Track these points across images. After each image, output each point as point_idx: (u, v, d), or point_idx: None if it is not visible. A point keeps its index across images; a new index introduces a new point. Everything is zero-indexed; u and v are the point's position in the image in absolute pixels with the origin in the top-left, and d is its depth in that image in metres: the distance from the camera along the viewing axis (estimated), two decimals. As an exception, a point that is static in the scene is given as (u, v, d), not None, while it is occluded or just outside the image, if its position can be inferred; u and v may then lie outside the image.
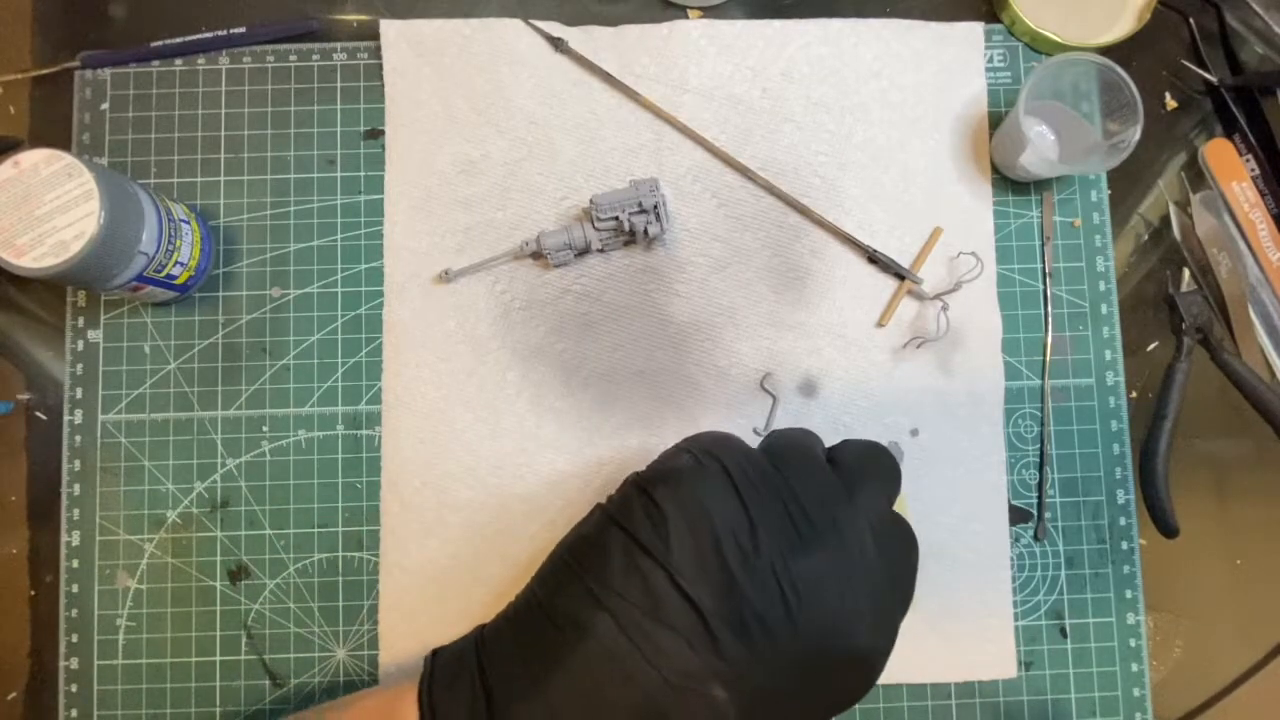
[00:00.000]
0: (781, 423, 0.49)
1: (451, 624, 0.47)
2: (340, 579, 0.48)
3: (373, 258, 0.50)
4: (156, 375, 0.49)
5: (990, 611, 0.49)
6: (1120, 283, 0.52)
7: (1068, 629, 0.49)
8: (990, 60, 0.53)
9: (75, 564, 0.48)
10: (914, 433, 0.49)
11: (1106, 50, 0.50)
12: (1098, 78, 0.47)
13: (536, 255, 0.49)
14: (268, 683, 0.47)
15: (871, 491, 0.36)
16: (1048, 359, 0.51)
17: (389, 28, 0.51)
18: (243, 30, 0.51)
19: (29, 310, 0.50)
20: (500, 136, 0.50)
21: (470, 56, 0.51)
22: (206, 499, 0.48)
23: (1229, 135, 0.53)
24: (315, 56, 0.52)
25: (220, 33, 0.51)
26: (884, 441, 0.43)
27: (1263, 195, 0.52)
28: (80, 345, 0.49)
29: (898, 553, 0.36)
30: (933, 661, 0.48)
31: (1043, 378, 0.51)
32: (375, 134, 0.51)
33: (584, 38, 0.51)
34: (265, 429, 0.49)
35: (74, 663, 0.47)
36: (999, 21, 0.53)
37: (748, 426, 0.49)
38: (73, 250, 0.40)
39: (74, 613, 0.47)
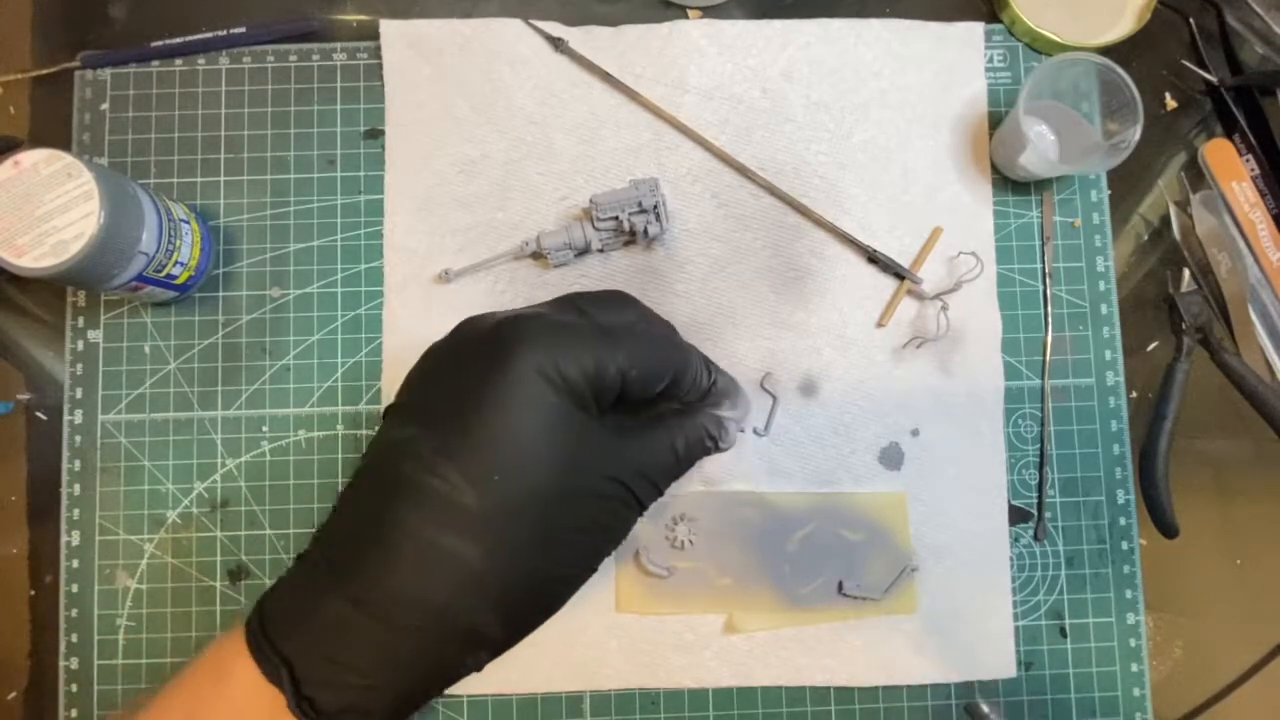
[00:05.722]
0: (782, 423, 0.49)
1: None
2: (340, 579, 0.48)
3: (373, 258, 0.50)
4: (156, 375, 0.49)
5: (990, 611, 0.49)
6: (1120, 283, 0.52)
7: (1068, 629, 0.49)
8: (990, 60, 0.53)
9: (75, 564, 0.48)
10: (914, 432, 0.49)
11: (1106, 50, 0.50)
12: (1098, 78, 0.47)
13: (536, 255, 0.49)
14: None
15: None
16: (1048, 359, 0.51)
17: (389, 27, 0.51)
18: (243, 30, 0.51)
19: (29, 310, 0.50)
20: (500, 136, 0.50)
21: (470, 56, 0.51)
22: (206, 499, 0.48)
23: (1229, 135, 0.53)
24: (315, 56, 0.52)
25: (220, 33, 0.51)
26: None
27: (1263, 195, 0.52)
28: (80, 345, 0.49)
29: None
30: (932, 662, 0.48)
31: (1043, 378, 0.51)
32: (375, 134, 0.51)
33: (584, 38, 0.51)
34: (265, 429, 0.49)
35: (74, 663, 0.47)
36: (999, 21, 0.53)
37: (748, 427, 0.49)
38: (73, 250, 0.40)
39: (74, 613, 0.47)
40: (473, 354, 0.35)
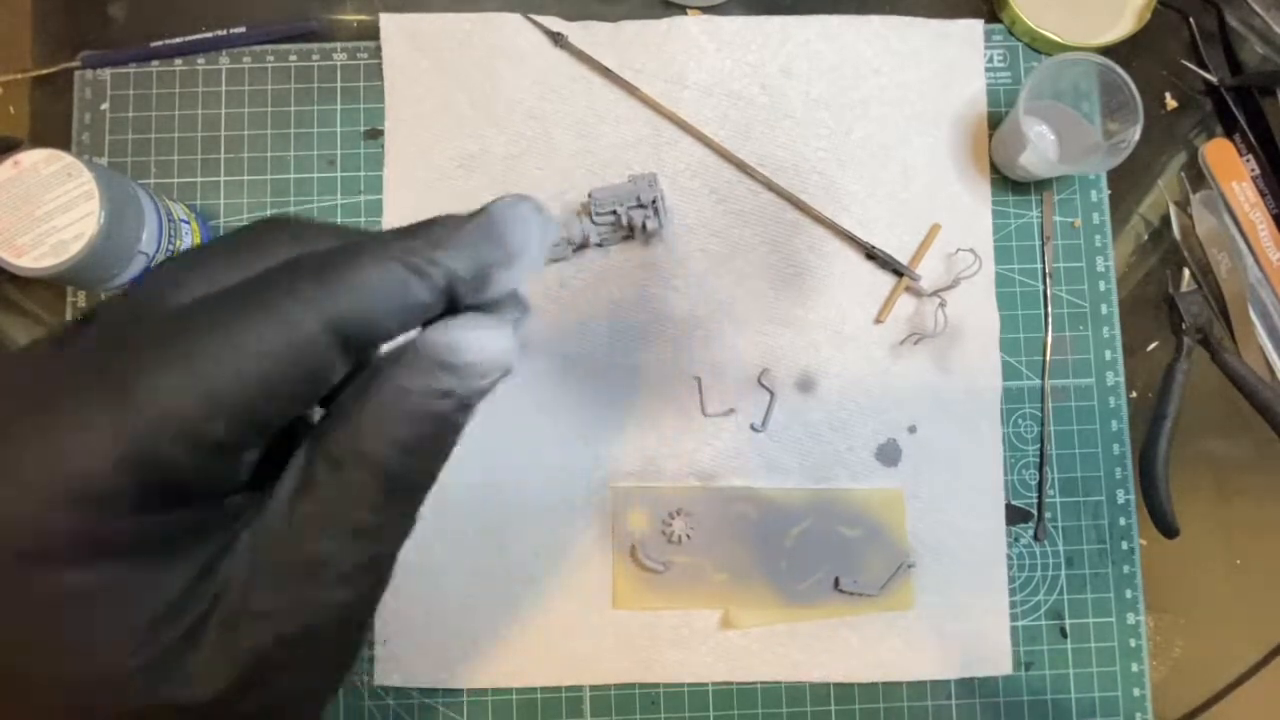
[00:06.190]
0: (779, 419, 0.49)
1: (449, 617, 0.47)
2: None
3: (372, 257, 0.50)
4: (156, 375, 0.49)
5: (986, 608, 0.49)
6: (1120, 283, 0.52)
7: (1067, 629, 0.49)
8: (990, 60, 0.53)
9: (75, 563, 0.48)
10: (911, 429, 0.49)
11: (1106, 50, 0.50)
12: (1098, 78, 0.47)
13: (535, 251, 0.49)
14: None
15: None
16: (1048, 359, 0.51)
17: (388, 21, 0.51)
18: (243, 30, 0.51)
19: (29, 310, 0.50)
20: (499, 131, 0.50)
21: (469, 51, 0.51)
22: (206, 498, 0.48)
23: (1229, 135, 0.53)
24: (315, 56, 0.52)
25: (220, 33, 0.51)
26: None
27: (1263, 195, 0.52)
28: (80, 344, 0.49)
29: None
30: (928, 659, 0.48)
31: (1043, 378, 0.51)
32: (375, 134, 0.51)
33: (583, 33, 0.51)
34: (265, 428, 0.49)
35: (73, 662, 0.47)
36: (999, 21, 0.53)
37: (745, 423, 0.49)
38: (73, 250, 0.40)
39: (73, 612, 0.47)
40: None
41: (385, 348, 0.20)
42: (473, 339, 0.20)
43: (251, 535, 0.19)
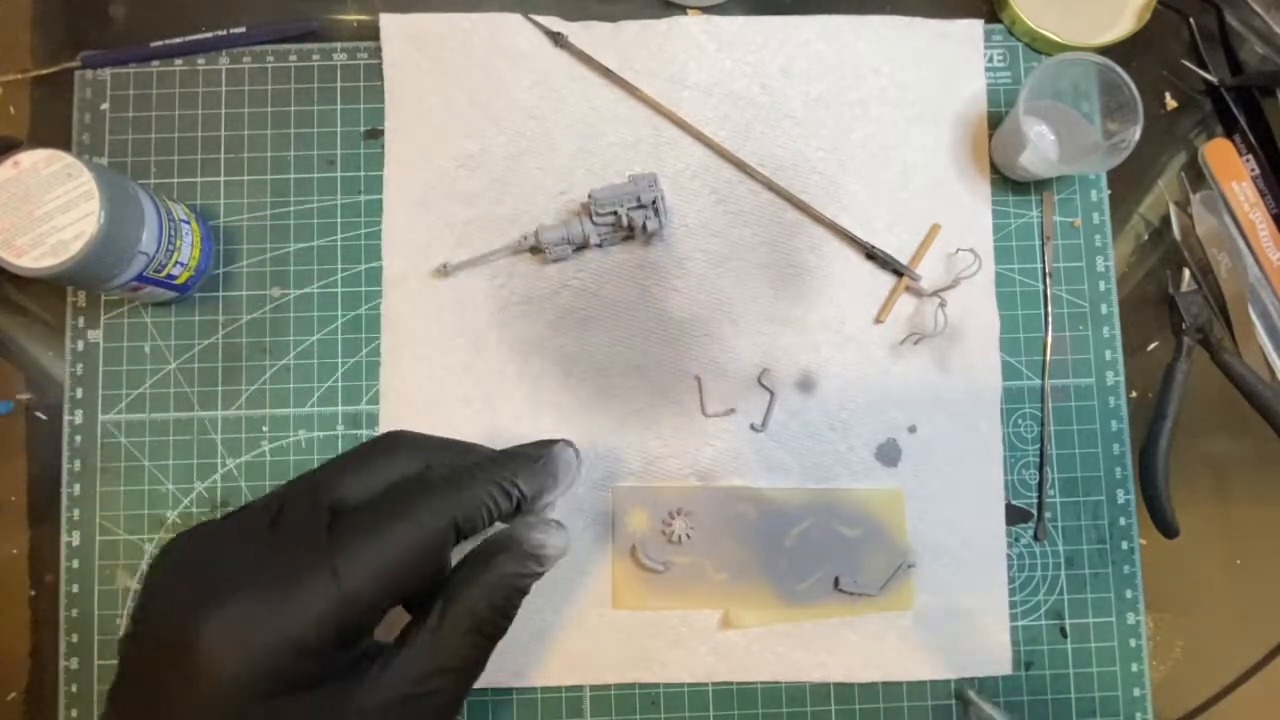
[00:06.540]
0: (779, 418, 0.49)
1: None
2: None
3: (373, 258, 0.50)
4: (156, 375, 0.49)
5: (986, 609, 0.49)
6: (1120, 283, 0.52)
7: (1068, 629, 0.49)
8: (990, 60, 0.53)
9: (75, 564, 0.48)
10: (911, 429, 0.49)
11: (1106, 50, 0.50)
12: (1098, 78, 0.47)
13: (535, 250, 0.49)
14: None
15: None
16: (1048, 359, 0.51)
17: (389, 21, 0.51)
18: (243, 30, 0.51)
19: (29, 310, 0.50)
20: (499, 131, 0.50)
21: (470, 50, 0.51)
22: (206, 499, 0.48)
23: (1229, 135, 0.53)
24: (315, 56, 0.52)
25: (220, 33, 0.51)
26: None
27: (1263, 195, 0.52)
28: (80, 345, 0.49)
29: None
30: (928, 659, 0.48)
31: (1043, 378, 0.51)
32: (375, 134, 0.51)
33: (583, 33, 0.51)
34: (265, 429, 0.49)
35: (74, 663, 0.47)
36: (999, 21, 0.53)
37: (745, 423, 0.49)
38: (72, 250, 0.40)
39: (74, 613, 0.47)
40: (167, 685, 0.27)
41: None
42: (554, 539, 0.33)
43: (386, 667, 0.29)
